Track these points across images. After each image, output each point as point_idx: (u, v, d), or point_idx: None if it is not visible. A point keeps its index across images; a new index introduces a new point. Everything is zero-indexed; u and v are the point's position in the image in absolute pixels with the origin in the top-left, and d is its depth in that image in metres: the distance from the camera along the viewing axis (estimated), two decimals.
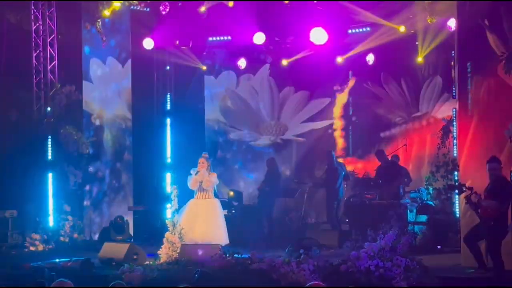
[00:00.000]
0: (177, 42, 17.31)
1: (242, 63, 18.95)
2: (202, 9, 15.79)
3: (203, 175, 13.40)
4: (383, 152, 16.47)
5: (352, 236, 14.09)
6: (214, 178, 13.53)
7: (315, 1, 16.09)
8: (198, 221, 13.28)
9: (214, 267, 11.41)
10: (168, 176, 17.88)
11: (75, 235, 15.92)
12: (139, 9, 16.76)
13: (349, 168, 18.06)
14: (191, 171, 13.42)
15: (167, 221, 13.20)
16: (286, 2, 15.89)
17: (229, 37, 18.37)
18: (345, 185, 17.08)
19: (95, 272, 12.26)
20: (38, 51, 16.21)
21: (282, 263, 11.18)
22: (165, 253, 12.83)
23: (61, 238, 15.75)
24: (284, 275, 10.94)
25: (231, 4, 15.66)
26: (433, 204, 15.30)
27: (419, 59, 17.15)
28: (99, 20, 16.36)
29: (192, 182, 13.42)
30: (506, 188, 10.81)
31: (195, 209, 13.39)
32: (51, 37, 16.28)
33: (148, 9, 16.70)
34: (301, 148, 20.10)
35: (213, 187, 13.61)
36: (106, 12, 16.00)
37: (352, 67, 18.96)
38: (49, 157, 15.95)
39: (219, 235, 13.32)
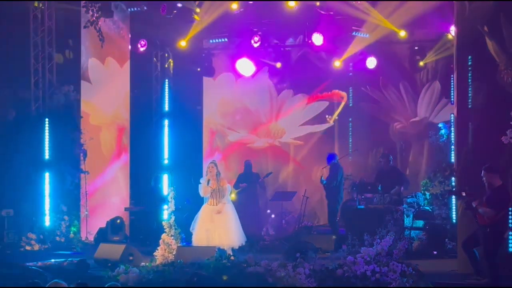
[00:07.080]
0: (179, 43, 17.32)
1: None
2: (197, 10, 15.81)
3: (215, 184, 13.34)
4: (389, 156, 16.31)
5: (348, 241, 14.07)
6: (227, 189, 13.50)
7: (317, 5, 16.11)
8: (211, 228, 13.28)
9: (210, 270, 11.38)
10: (165, 177, 17.84)
11: (71, 235, 15.90)
12: (138, 9, 16.73)
13: (345, 171, 18.02)
14: (201, 180, 13.39)
15: (163, 223, 13.16)
16: (291, 7, 15.84)
17: (228, 39, 18.35)
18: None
19: (91, 272, 12.23)
20: (36, 51, 16.16)
21: (278, 267, 11.16)
22: (161, 254, 12.79)
23: (57, 238, 15.72)
24: (280, 279, 10.92)
25: (233, 7, 15.67)
26: (429, 210, 15.28)
27: (421, 64, 17.17)
28: (98, 20, 16.34)
29: (203, 190, 13.30)
30: (502, 197, 10.81)
31: (208, 216, 13.35)
32: (50, 37, 16.23)
33: (146, 9, 16.66)
34: (298, 151, 20.09)
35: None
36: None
37: (351, 71, 18.97)
38: (46, 156, 15.90)
39: (231, 239, 13.29)
